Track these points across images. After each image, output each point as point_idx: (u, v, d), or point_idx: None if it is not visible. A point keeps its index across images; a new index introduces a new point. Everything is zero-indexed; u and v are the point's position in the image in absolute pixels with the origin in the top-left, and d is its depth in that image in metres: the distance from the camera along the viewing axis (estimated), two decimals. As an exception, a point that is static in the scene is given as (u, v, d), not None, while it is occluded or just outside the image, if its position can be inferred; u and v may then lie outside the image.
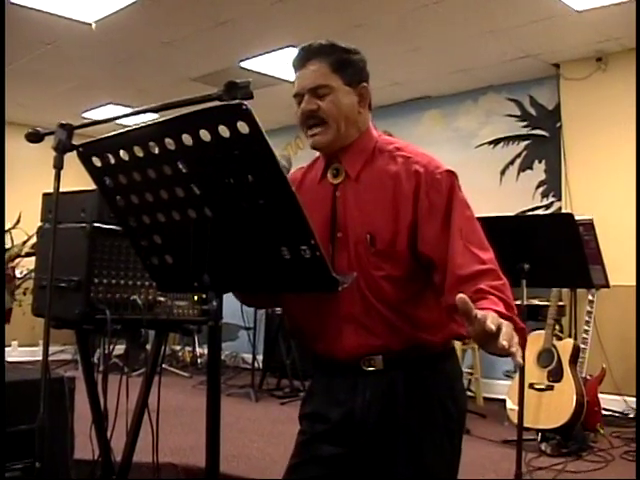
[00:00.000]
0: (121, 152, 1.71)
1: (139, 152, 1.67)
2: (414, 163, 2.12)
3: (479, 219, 2.17)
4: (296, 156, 9.78)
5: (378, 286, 2.11)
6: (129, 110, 3.83)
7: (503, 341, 1.60)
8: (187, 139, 1.56)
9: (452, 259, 2.02)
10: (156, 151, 1.64)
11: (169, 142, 1.60)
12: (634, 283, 6.58)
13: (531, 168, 8.26)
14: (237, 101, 1.50)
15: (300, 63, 2.19)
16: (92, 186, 1.93)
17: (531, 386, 5.55)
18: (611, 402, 6.64)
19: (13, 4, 6.33)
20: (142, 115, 2.44)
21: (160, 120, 1.59)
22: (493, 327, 1.59)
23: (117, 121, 2.51)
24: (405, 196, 2.09)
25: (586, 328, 5.88)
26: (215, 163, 1.59)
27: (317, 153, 2.30)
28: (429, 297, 2.12)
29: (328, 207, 2.19)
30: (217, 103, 1.79)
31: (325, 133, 2.16)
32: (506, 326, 1.64)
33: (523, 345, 1.80)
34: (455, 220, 2.06)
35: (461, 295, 1.59)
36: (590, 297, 5.93)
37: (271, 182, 1.54)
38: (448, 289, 2.00)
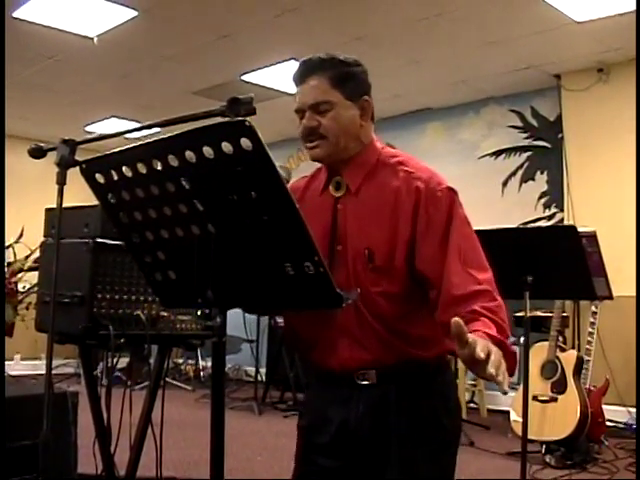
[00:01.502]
0: (124, 169, 1.71)
1: (142, 169, 1.66)
2: (415, 179, 2.10)
3: (482, 231, 2.16)
4: (298, 168, 9.81)
5: (374, 302, 2.10)
6: (132, 124, 3.86)
7: (491, 369, 1.59)
8: (190, 156, 1.56)
9: (448, 278, 2.01)
10: (159, 167, 1.63)
11: (172, 159, 1.59)
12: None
13: (533, 179, 8.27)
14: (240, 118, 1.50)
15: (300, 78, 2.17)
16: (95, 201, 1.92)
17: (535, 398, 5.53)
18: (615, 413, 6.62)
19: (15, 18, 6.35)
20: (144, 129, 2.44)
21: (163, 137, 1.59)
22: (482, 355, 1.59)
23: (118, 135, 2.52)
24: (405, 212, 2.08)
25: (589, 339, 5.87)
26: (218, 179, 1.59)
27: (319, 164, 2.29)
28: (424, 314, 2.10)
29: (329, 220, 2.18)
30: (220, 119, 1.80)
31: (323, 146, 2.14)
32: (495, 353, 1.64)
33: (512, 369, 1.81)
34: (453, 238, 2.05)
35: (456, 319, 1.58)
36: (593, 308, 5.93)
37: (274, 198, 1.54)
38: (442, 308, 2.00)
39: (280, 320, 7.84)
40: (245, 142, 1.48)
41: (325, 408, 2.23)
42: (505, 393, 1.66)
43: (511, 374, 1.84)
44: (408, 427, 2.14)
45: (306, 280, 1.61)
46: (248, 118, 1.49)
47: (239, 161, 1.51)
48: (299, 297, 1.71)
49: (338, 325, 2.14)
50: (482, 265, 2.06)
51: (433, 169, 2.18)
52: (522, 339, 4.04)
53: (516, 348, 1.93)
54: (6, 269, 8.16)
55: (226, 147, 1.50)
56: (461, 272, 2.01)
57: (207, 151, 1.53)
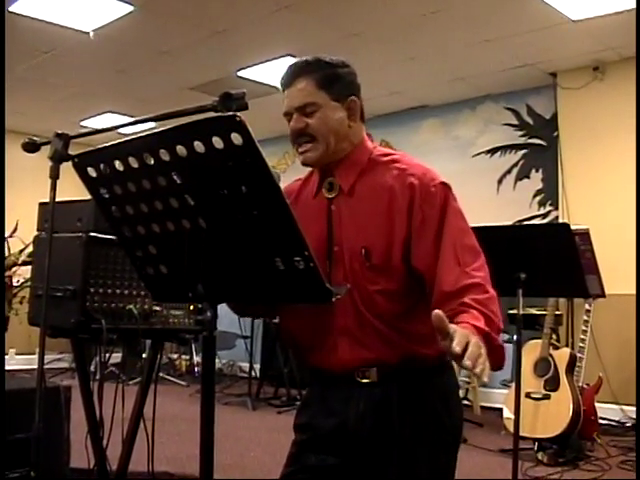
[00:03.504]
0: (116, 163, 1.71)
1: (134, 163, 1.66)
2: (409, 175, 2.10)
3: (476, 229, 2.16)
4: (294, 165, 9.82)
5: (373, 300, 2.10)
6: (127, 119, 3.87)
7: (467, 361, 1.59)
8: (181, 150, 1.56)
9: (440, 275, 2.01)
10: (151, 162, 1.63)
11: (163, 153, 1.60)
12: (630, 292, 6.59)
13: (528, 177, 8.28)
14: (231, 113, 1.50)
15: (288, 82, 2.19)
16: (89, 195, 1.93)
17: (528, 395, 5.54)
18: (608, 411, 6.65)
19: (11, 13, 6.35)
20: (137, 124, 2.44)
21: (154, 131, 1.59)
22: (458, 349, 1.59)
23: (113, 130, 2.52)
24: (400, 209, 2.08)
25: (583, 337, 5.89)
26: (209, 174, 1.59)
27: None
28: (424, 310, 2.05)
29: (324, 221, 2.19)
30: (213, 114, 1.80)
31: (314, 149, 2.16)
32: (473, 345, 1.63)
33: (497, 363, 1.80)
34: (447, 234, 2.05)
35: (436, 311, 1.58)
36: (587, 306, 5.94)
37: (264, 193, 1.54)
38: (434, 305, 1.97)
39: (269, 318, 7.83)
40: (236, 137, 1.48)
41: (324, 407, 2.23)
42: (484, 385, 1.67)
43: (499, 367, 1.84)
44: (409, 426, 2.13)
45: (296, 275, 1.61)
46: (240, 113, 1.50)
47: (230, 156, 1.52)
48: (289, 291, 1.71)
49: (338, 327, 2.14)
50: (476, 260, 2.05)
51: (426, 165, 2.18)
52: (515, 336, 4.04)
53: (506, 344, 1.93)
54: None
55: (217, 142, 1.50)
56: (454, 268, 2.01)
57: (198, 146, 1.53)
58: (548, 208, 8.03)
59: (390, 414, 2.14)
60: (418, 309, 2.11)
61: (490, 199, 8.36)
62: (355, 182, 2.19)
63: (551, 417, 5.45)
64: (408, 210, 2.08)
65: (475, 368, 1.60)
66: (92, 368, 3.96)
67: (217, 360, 7.16)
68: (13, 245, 8.65)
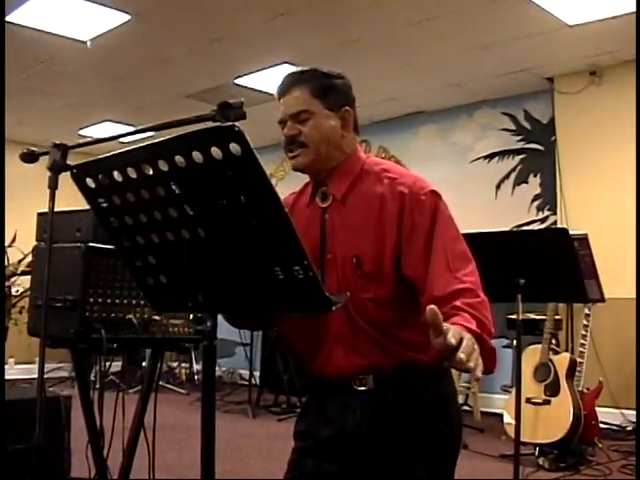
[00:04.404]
0: (115, 173, 1.71)
1: (132, 173, 1.66)
2: (399, 184, 2.13)
3: (474, 234, 2.17)
4: (291, 172, 9.81)
5: (365, 308, 2.12)
6: (125, 127, 3.89)
7: (461, 354, 1.58)
8: (180, 160, 1.56)
9: (431, 280, 2.02)
10: (149, 172, 1.64)
11: (162, 163, 1.60)
12: (629, 296, 6.59)
13: (526, 182, 8.28)
14: (229, 123, 1.50)
15: (283, 91, 2.22)
16: (87, 205, 1.93)
17: (528, 400, 5.53)
18: (609, 415, 6.64)
19: (8, 22, 6.35)
20: (135, 134, 2.45)
21: (153, 142, 1.59)
22: (453, 341, 1.58)
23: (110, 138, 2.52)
24: (390, 218, 2.10)
25: (583, 342, 5.89)
26: (208, 184, 1.59)
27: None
28: (417, 318, 2.06)
29: (317, 230, 2.21)
30: (211, 123, 1.80)
31: (304, 155, 2.19)
32: (467, 339, 1.63)
33: (489, 366, 1.80)
34: (438, 241, 2.06)
35: (431, 307, 1.57)
36: (586, 311, 5.94)
37: (263, 203, 1.55)
38: (424, 310, 1.99)
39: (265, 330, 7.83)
40: (234, 147, 1.48)
41: (322, 414, 2.24)
42: (477, 379, 1.65)
43: (490, 370, 1.84)
44: (404, 432, 2.14)
45: (296, 284, 1.61)
46: (238, 123, 1.50)
47: (228, 166, 1.52)
48: (289, 301, 1.71)
49: (332, 334, 2.16)
50: (466, 266, 2.06)
51: (417, 175, 2.20)
52: (515, 342, 4.04)
53: (506, 349, 1.93)
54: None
55: (215, 152, 1.50)
56: (445, 274, 2.02)
57: (196, 156, 1.53)
58: (546, 213, 8.03)
59: (385, 421, 2.15)
60: (411, 317, 2.11)
61: (488, 204, 8.37)
62: (347, 191, 2.21)
63: (552, 422, 5.44)
64: (398, 218, 2.10)
65: (469, 362, 1.59)
66: (92, 377, 3.96)
67: (217, 368, 7.20)
68: (12, 255, 8.64)
